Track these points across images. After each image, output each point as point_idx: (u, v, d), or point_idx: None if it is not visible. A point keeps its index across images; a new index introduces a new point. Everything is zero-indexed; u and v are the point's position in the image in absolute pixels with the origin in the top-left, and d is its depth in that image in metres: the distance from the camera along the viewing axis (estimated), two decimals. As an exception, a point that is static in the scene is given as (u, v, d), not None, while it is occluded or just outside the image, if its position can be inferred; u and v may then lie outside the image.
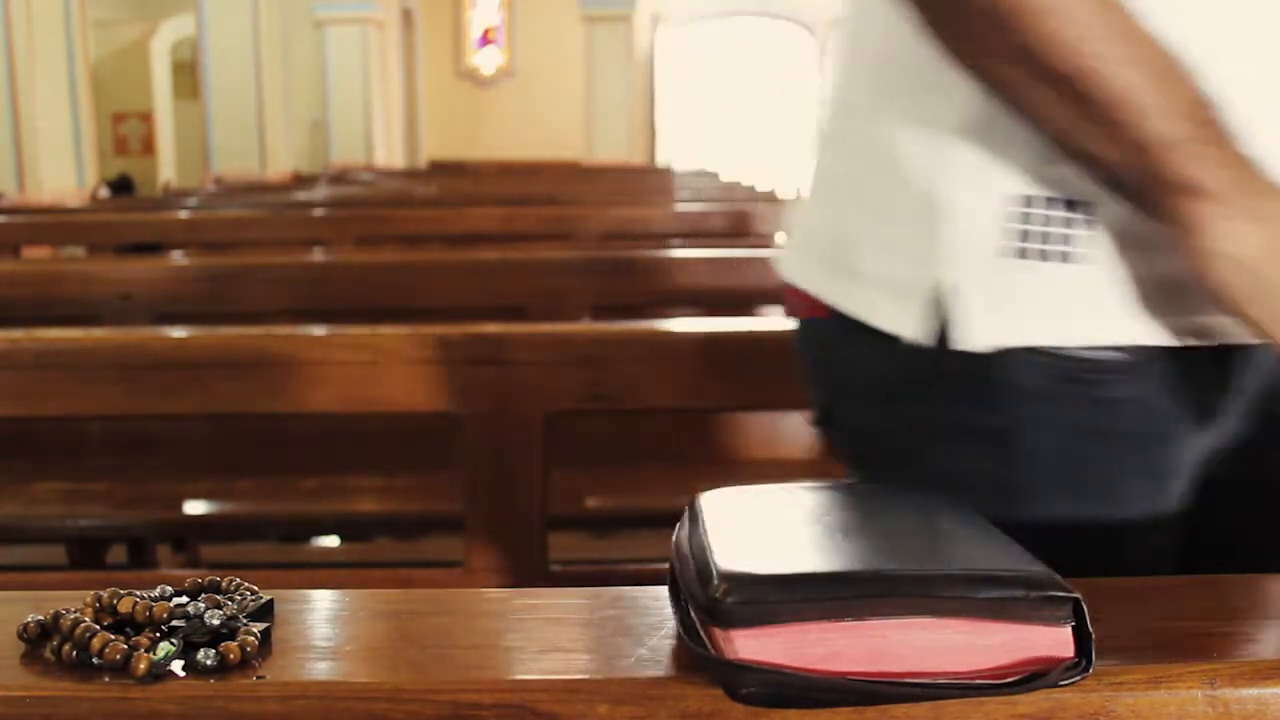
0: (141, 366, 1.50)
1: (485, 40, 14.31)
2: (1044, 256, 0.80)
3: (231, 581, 0.70)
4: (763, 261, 2.55)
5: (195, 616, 0.64)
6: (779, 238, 3.64)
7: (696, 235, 3.83)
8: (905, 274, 0.83)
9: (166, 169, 12.58)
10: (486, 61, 14.30)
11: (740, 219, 3.96)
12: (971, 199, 0.81)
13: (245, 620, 0.66)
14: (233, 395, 1.50)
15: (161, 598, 0.66)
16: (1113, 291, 0.80)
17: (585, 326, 1.77)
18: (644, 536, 2.47)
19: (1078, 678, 0.61)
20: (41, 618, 0.65)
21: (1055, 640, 0.62)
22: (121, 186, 11.62)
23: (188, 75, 12.41)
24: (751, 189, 6.15)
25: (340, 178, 8.16)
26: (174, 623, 0.64)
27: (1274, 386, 0.86)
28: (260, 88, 8.98)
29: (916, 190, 0.82)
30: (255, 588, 0.70)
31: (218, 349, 1.51)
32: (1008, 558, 0.63)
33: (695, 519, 0.70)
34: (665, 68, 14.33)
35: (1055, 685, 0.61)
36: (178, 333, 1.57)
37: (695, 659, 0.63)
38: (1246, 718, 0.62)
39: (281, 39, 9.33)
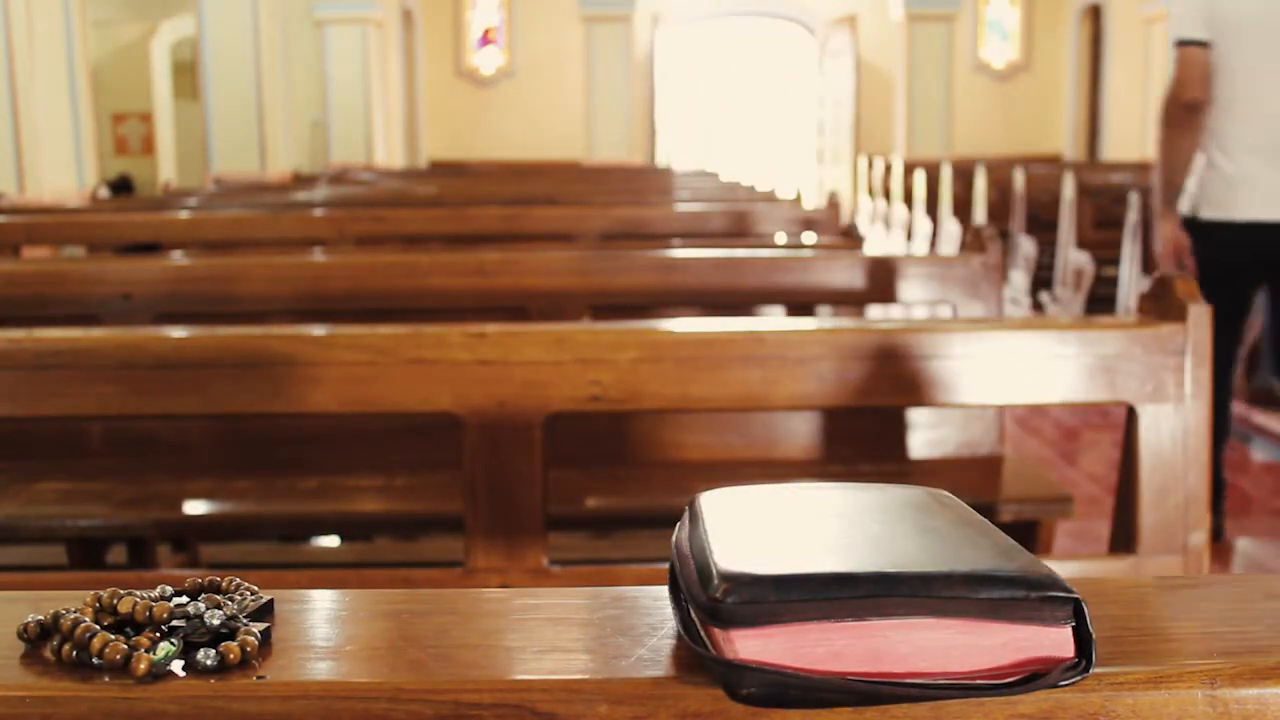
0: (141, 366, 1.50)
1: (485, 40, 14.30)
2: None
3: (231, 581, 0.70)
4: (763, 261, 2.55)
5: (195, 616, 0.64)
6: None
7: (696, 235, 3.83)
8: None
9: (166, 169, 12.57)
10: (486, 61, 14.30)
11: (740, 219, 3.96)
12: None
13: (245, 620, 0.66)
14: (233, 395, 1.50)
15: (161, 598, 0.66)
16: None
17: (585, 326, 1.77)
18: (644, 536, 2.46)
19: (1078, 678, 0.61)
20: (41, 618, 0.65)
21: (1055, 640, 0.62)
22: (121, 186, 11.62)
23: (188, 75, 12.41)
24: (751, 189, 6.15)
25: (340, 178, 8.16)
26: (174, 623, 0.64)
27: None
28: (260, 88, 8.97)
29: None
30: (255, 588, 0.70)
31: (218, 349, 1.51)
32: (1008, 558, 0.63)
33: (695, 519, 0.70)
34: (665, 68, 14.32)
35: (1055, 685, 0.61)
36: (178, 333, 1.57)
37: (695, 659, 0.63)
38: (1246, 718, 0.62)
39: (281, 39, 9.32)
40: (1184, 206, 3.34)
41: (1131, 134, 12.35)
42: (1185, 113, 3.26)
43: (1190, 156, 3.28)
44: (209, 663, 0.62)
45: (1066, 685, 0.61)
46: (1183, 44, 3.24)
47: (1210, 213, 3.27)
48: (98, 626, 0.64)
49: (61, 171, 5.97)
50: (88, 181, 6.19)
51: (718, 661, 0.60)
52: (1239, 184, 3.22)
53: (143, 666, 0.61)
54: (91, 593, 0.67)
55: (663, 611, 0.70)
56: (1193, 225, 3.33)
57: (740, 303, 2.60)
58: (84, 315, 2.42)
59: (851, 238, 3.49)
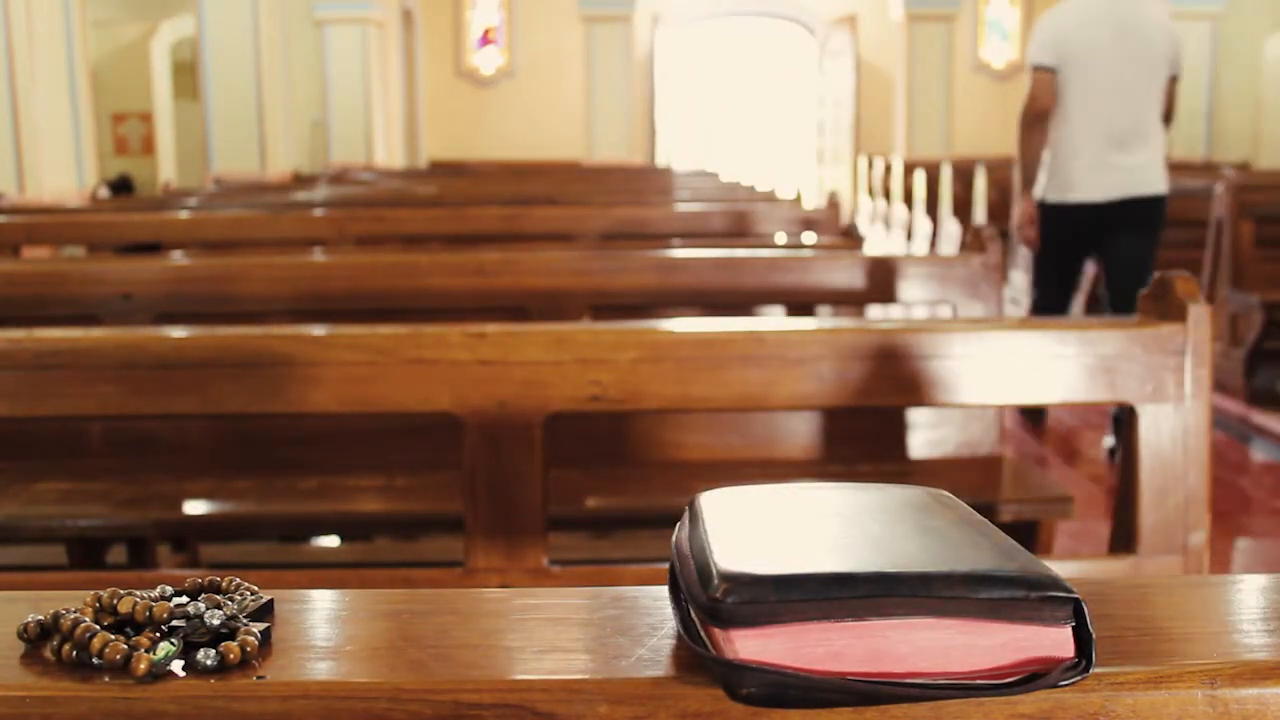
0: (141, 366, 1.50)
1: (485, 40, 14.30)
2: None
3: (231, 581, 0.70)
4: (763, 261, 2.55)
5: (195, 616, 0.64)
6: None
7: (696, 235, 3.83)
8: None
9: (166, 169, 12.57)
10: (486, 61, 14.30)
11: (740, 219, 3.96)
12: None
13: (245, 620, 0.66)
14: (233, 395, 1.50)
15: (161, 598, 0.66)
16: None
17: (585, 326, 1.77)
18: (644, 536, 2.46)
19: (1078, 678, 0.61)
20: (41, 618, 0.65)
21: (1055, 640, 0.62)
22: (121, 186, 11.62)
23: (188, 75, 12.41)
24: (751, 189, 6.15)
25: (340, 178, 8.16)
26: (174, 623, 0.64)
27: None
28: (260, 88, 8.96)
29: None
30: (255, 588, 0.70)
31: (218, 349, 1.51)
32: (1008, 558, 0.63)
33: (695, 519, 0.70)
34: (665, 68, 14.31)
35: (1055, 685, 0.61)
36: (178, 333, 1.57)
37: (695, 659, 0.63)
38: (1246, 718, 0.62)
39: (281, 39, 9.31)
40: (1036, 192, 4.46)
41: (1131, 134, 12.32)
42: (1036, 119, 4.36)
43: (1039, 151, 4.41)
44: (209, 663, 0.62)
45: (1066, 685, 0.61)
46: (1037, 68, 4.32)
47: (1053, 196, 4.41)
48: (98, 626, 0.64)
49: (61, 171, 5.97)
50: (88, 181, 6.19)
51: (718, 661, 0.60)
52: (1073, 175, 4.33)
53: (143, 666, 0.61)
54: (91, 593, 0.67)
55: (663, 611, 0.70)
56: (1041, 206, 4.46)
57: (740, 303, 2.60)
58: (84, 315, 2.42)
59: (851, 238, 3.49)
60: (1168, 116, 4.40)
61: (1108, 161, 4.27)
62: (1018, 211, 4.56)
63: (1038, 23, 4.40)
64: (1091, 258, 4.60)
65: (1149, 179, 4.30)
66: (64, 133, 6.02)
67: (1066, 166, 4.32)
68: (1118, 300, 4.42)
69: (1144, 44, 4.23)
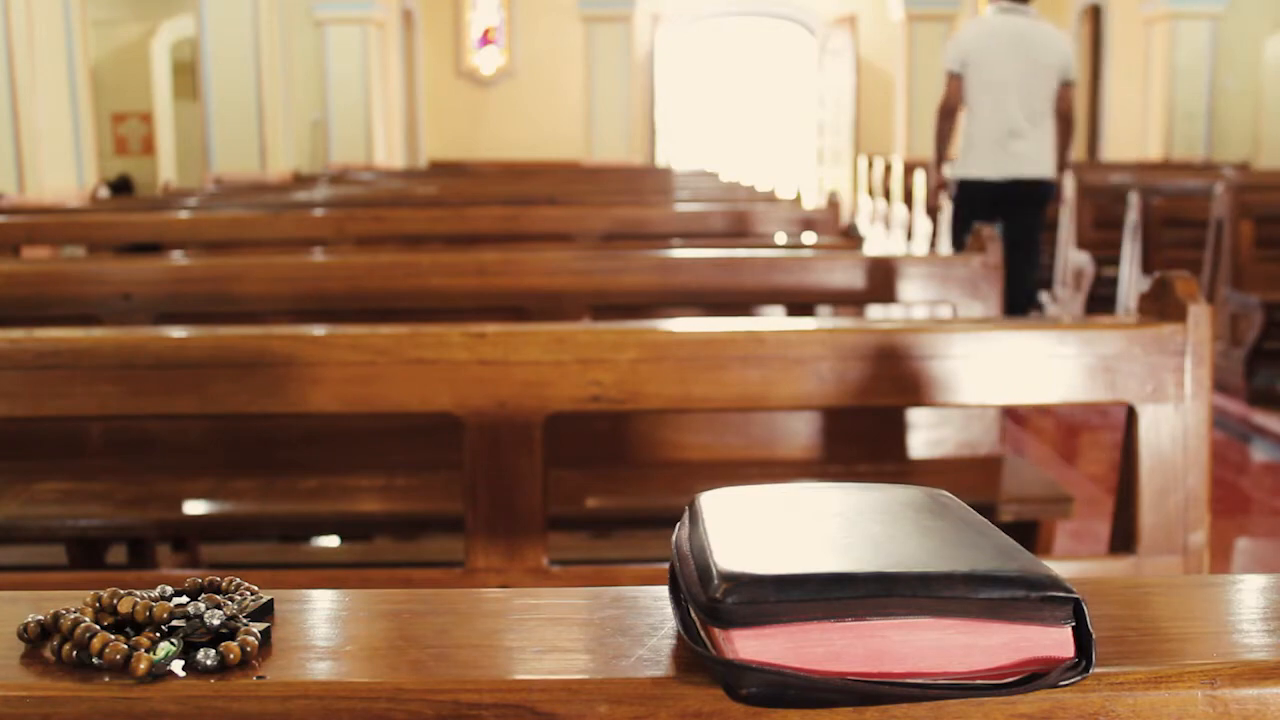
0: (141, 366, 1.50)
1: (485, 40, 14.30)
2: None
3: (231, 581, 0.70)
4: (763, 261, 2.55)
5: (195, 616, 0.64)
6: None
7: (696, 235, 3.83)
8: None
9: (166, 169, 12.58)
10: (486, 61, 14.30)
11: (740, 219, 3.96)
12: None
13: (245, 620, 0.66)
14: (233, 395, 1.50)
15: (161, 598, 0.66)
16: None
17: (585, 326, 1.77)
18: (644, 536, 2.46)
19: (1078, 678, 0.61)
20: (41, 618, 0.65)
21: (1055, 640, 0.62)
22: (121, 186, 11.62)
23: (188, 75, 12.41)
24: (751, 189, 6.15)
25: (340, 178, 8.16)
26: (174, 623, 0.64)
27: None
28: (260, 88, 8.96)
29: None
30: (255, 588, 0.70)
31: (218, 349, 1.51)
32: (1008, 558, 0.63)
33: (695, 519, 0.70)
34: (665, 68, 14.31)
35: (1055, 685, 0.61)
36: (178, 333, 1.57)
37: (695, 659, 0.63)
38: (1246, 718, 0.62)
39: (281, 39, 9.31)
40: (954, 171, 5.57)
41: (1131, 134, 12.35)
42: (946, 113, 5.56)
43: (949, 137, 5.64)
44: (209, 663, 0.62)
45: (1066, 685, 0.61)
46: (948, 73, 5.49)
47: (963, 173, 5.50)
48: (98, 626, 0.64)
49: (61, 171, 5.97)
50: (88, 181, 6.19)
51: (718, 661, 0.60)
52: (978, 156, 5.42)
53: (143, 666, 0.61)
54: (91, 593, 0.67)
55: (663, 611, 0.70)
56: (959, 183, 5.55)
57: (740, 303, 2.60)
58: (84, 315, 2.42)
59: (851, 238, 3.49)
60: (1066, 116, 5.43)
61: (1004, 147, 5.37)
62: (932, 178, 5.87)
63: (952, 36, 5.45)
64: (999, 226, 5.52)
65: (1036, 163, 5.38)
66: (64, 133, 6.02)
67: (973, 150, 5.45)
68: (1008, 270, 5.26)
69: (1033, 52, 5.32)
